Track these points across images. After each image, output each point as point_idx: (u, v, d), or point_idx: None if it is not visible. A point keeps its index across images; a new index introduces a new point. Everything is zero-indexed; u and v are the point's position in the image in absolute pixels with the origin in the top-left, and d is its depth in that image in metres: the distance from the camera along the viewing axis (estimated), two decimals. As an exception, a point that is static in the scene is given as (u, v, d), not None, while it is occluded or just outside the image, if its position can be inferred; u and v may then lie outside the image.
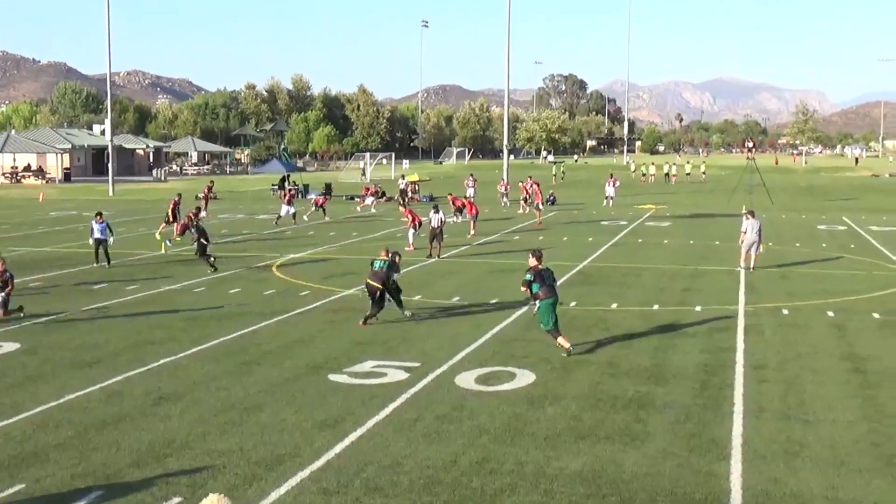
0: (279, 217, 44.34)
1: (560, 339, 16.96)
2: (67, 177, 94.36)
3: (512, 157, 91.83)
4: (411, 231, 34.17)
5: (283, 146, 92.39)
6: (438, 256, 30.88)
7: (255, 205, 57.92)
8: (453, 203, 44.80)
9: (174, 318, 20.69)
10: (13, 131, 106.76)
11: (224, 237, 38.68)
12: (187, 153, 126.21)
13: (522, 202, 50.83)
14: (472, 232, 38.46)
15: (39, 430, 12.61)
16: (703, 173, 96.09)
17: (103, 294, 24.06)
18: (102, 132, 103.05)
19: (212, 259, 28.46)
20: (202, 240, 28.62)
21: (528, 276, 17.22)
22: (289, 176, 71.32)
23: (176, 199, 38.39)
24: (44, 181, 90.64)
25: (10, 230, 42.55)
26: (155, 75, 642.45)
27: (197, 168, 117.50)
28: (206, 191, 51.39)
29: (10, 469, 11.16)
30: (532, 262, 17.45)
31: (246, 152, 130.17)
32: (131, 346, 17.81)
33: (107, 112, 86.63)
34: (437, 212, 32.49)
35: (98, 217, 29.05)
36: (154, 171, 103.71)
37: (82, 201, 63.57)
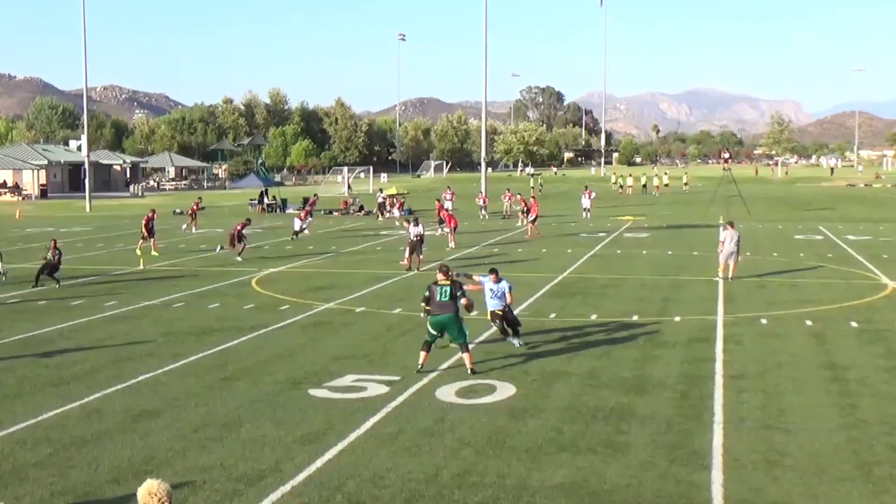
0: (296, 233, 43.90)
1: (422, 354, 16.77)
2: (44, 193, 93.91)
3: (490, 169, 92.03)
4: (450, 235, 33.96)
5: (260, 161, 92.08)
6: (418, 269, 30.87)
7: (233, 219, 57.54)
8: (438, 212, 44.80)
9: (153, 334, 20.59)
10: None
11: (202, 251, 38.57)
12: (164, 168, 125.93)
13: (521, 214, 50.82)
14: (451, 244, 38.50)
15: (18, 449, 12.51)
16: (686, 184, 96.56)
17: (81, 310, 23.92)
18: (79, 148, 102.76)
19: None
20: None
21: (426, 292, 17.17)
22: (267, 190, 71.19)
23: (150, 214, 38.15)
24: (20, 198, 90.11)
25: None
26: (132, 90, 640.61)
27: (174, 183, 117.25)
28: (194, 206, 51.19)
29: (-12, 488, 11.07)
30: (439, 276, 17.29)
31: (223, 167, 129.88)
32: (110, 363, 17.70)
33: (83, 128, 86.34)
34: (416, 224, 32.52)
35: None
36: (131, 187, 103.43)
37: (59, 218, 63.25)
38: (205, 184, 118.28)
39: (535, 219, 44.55)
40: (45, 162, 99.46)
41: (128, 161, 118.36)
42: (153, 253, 35.40)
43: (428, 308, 16.97)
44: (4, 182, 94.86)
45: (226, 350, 18.84)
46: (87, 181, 77.65)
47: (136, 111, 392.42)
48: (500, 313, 18.56)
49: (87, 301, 25.42)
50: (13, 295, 26.67)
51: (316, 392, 15.37)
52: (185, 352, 18.57)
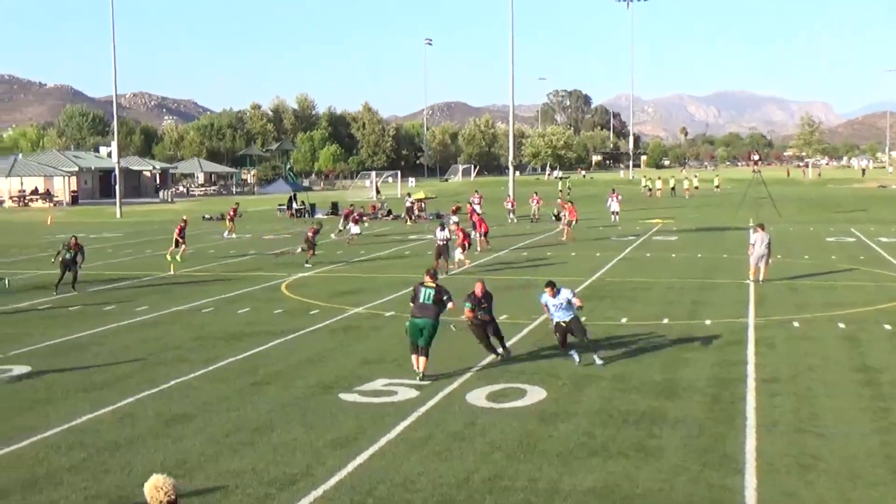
0: (353, 236, 43.89)
1: (413, 358, 16.73)
2: (75, 199, 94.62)
3: (517, 173, 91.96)
4: (458, 250, 33.81)
5: (289, 166, 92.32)
6: (446, 273, 30.89)
7: (261, 225, 58.02)
8: (470, 216, 44.74)
9: (184, 339, 20.72)
10: (20, 155, 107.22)
11: (232, 256, 38.77)
12: (193, 174, 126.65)
13: (562, 218, 50.62)
14: (479, 248, 38.46)
15: (52, 453, 12.62)
16: (717, 186, 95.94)
17: (112, 316, 24.11)
18: (109, 154, 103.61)
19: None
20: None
21: (412, 292, 17.19)
22: (295, 195, 71.46)
23: (182, 223, 38.32)
24: (51, 204, 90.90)
25: (17, 253, 42.68)
26: (160, 97, 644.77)
27: (203, 189, 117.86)
28: (231, 212, 51.38)
29: (24, 492, 11.17)
30: (426, 278, 17.20)
31: (252, 172, 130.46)
32: (142, 368, 17.83)
33: (113, 134, 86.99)
34: (442, 229, 32.60)
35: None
36: (161, 193, 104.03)
37: (90, 224, 63.76)
38: (233, 189, 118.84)
39: (570, 222, 44.31)
40: (76, 168, 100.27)
41: (157, 167, 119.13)
42: (178, 258, 35.61)
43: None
44: (36, 189, 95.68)
45: (256, 354, 18.92)
46: (117, 187, 78.26)
47: (165, 117, 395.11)
48: (565, 325, 17.38)
49: (118, 306, 25.61)
50: (44, 300, 26.92)
51: (346, 396, 15.41)
52: (215, 356, 18.67)
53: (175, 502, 6.62)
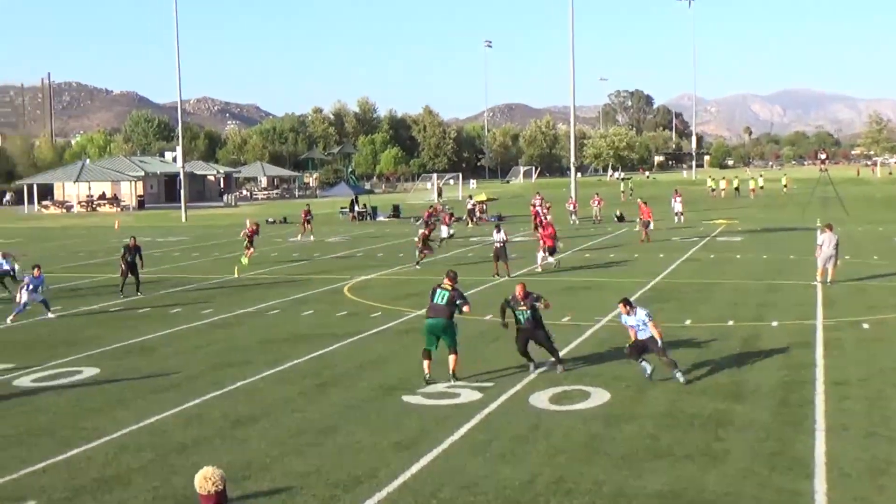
0: (442, 239, 44.03)
1: (425, 363, 16.59)
2: (141, 204, 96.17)
3: (579, 174, 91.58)
4: (540, 254, 33.82)
5: (350, 169, 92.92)
6: (508, 275, 30.83)
7: (324, 227, 58.39)
8: (534, 219, 44.61)
9: (249, 341, 20.94)
10: (88, 160, 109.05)
11: (295, 260, 39.08)
12: (256, 178, 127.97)
13: (618, 218, 50.32)
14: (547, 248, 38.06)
15: (121, 454, 12.83)
16: (785, 186, 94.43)
17: (180, 318, 24.45)
18: (174, 159, 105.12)
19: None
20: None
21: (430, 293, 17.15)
22: (357, 198, 71.89)
23: (254, 226, 38.68)
24: (118, 209, 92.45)
25: (86, 258, 43.49)
26: (224, 102, 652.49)
27: (266, 192, 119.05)
28: (304, 214, 51.71)
29: (94, 492, 11.36)
30: (445, 281, 17.11)
31: (314, 176, 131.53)
32: (208, 370, 18.05)
33: (178, 139, 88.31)
34: (498, 231, 32.61)
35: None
36: (225, 197, 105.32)
37: (156, 228, 64.73)
38: (296, 192, 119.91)
39: (647, 223, 43.89)
40: (142, 173, 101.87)
41: (221, 171, 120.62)
42: (244, 262, 35.96)
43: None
44: (104, 193, 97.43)
45: (320, 357, 19.05)
46: (182, 192, 79.38)
47: (229, 122, 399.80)
48: (641, 342, 16.35)
49: (185, 309, 25.96)
50: (113, 303, 27.38)
51: (409, 398, 15.45)
52: (280, 358, 18.84)
53: (223, 492, 6.80)
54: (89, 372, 18.08)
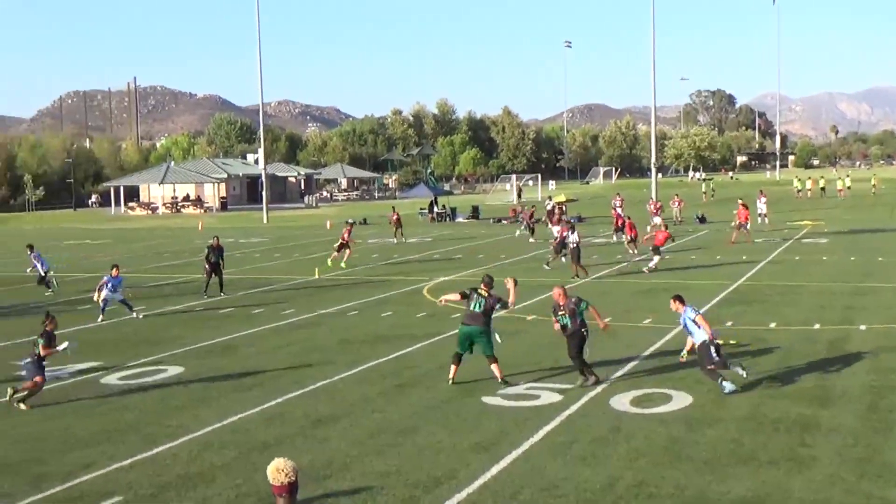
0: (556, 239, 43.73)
1: (452, 367, 16.60)
2: (224, 205, 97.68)
3: (660, 174, 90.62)
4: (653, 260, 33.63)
5: (429, 170, 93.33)
6: (576, 276, 30.68)
7: (404, 229, 58.54)
8: (616, 220, 44.23)
9: (329, 342, 21.13)
10: (172, 163, 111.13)
11: (374, 261, 39.32)
12: (337, 179, 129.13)
13: (700, 219, 49.63)
14: (630, 252, 37.62)
15: (205, 451, 13.03)
16: (874, 186, 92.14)
17: (261, 318, 24.77)
18: (256, 161, 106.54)
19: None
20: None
21: (468, 291, 16.98)
22: (437, 199, 72.12)
23: (349, 227, 38.78)
24: (202, 210, 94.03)
25: (171, 258, 44.33)
26: (304, 104, 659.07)
27: (346, 194, 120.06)
28: (394, 216, 51.60)
29: (178, 489, 11.56)
30: (481, 287, 16.96)
31: (394, 177, 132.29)
32: (289, 369, 18.25)
33: (260, 142, 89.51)
34: (572, 232, 32.45)
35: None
36: (305, 198, 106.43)
37: (238, 229, 65.68)
38: (375, 194, 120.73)
39: (741, 225, 43.19)
40: (225, 175, 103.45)
41: (302, 173, 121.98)
42: (329, 263, 36.32)
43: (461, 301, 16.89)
44: (188, 195, 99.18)
45: (400, 357, 19.14)
46: (264, 193, 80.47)
47: (309, 124, 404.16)
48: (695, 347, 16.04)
49: (267, 309, 26.29)
50: (196, 303, 27.85)
51: (489, 400, 15.44)
52: (360, 359, 18.97)
53: (295, 483, 6.94)
54: (174, 371, 18.42)
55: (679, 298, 16.41)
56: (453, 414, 14.65)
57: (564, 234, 34.18)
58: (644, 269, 32.26)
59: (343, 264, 36.41)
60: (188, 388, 17.00)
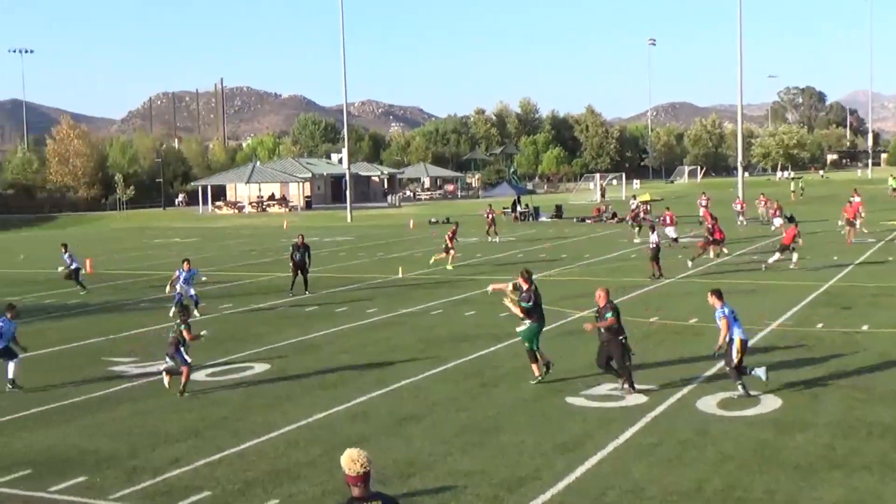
0: (674, 240, 43.11)
1: (533, 366, 16.63)
2: (308, 204, 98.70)
3: (746, 173, 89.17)
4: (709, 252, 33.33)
5: (512, 169, 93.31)
6: (660, 276, 30.34)
7: (487, 228, 58.53)
8: (707, 220, 43.45)
9: (412, 341, 21.23)
10: (258, 162, 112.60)
11: (457, 260, 39.35)
12: (420, 179, 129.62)
13: (787, 219, 48.56)
14: (711, 254, 37.01)
15: (291, 448, 13.19)
16: None
17: (345, 317, 24.98)
18: (340, 161, 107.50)
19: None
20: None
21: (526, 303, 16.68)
22: (520, 198, 71.99)
23: (454, 227, 38.50)
24: (287, 209, 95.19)
25: (258, 256, 44.97)
26: (387, 104, 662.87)
27: (429, 193, 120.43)
28: (490, 214, 51.57)
29: (265, 484, 11.72)
30: (520, 280, 16.84)
31: (476, 176, 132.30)
32: (373, 368, 18.37)
33: (344, 141, 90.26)
34: (653, 232, 32.12)
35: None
36: (389, 197, 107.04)
37: (323, 228, 66.35)
38: (458, 193, 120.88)
39: (849, 221, 42.29)
40: (310, 175, 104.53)
41: (385, 172, 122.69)
42: (448, 266, 35.65)
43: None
44: (273, 195, 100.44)
45: (483, 357, 19.14)
46: (347, 192, 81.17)
47: (392, 124, 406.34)
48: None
49: (350, 308, 26.51)
50: (282, 302, 28.20)
51: (573, 400, 15.35)
52: (443, 358, 19.01)
53: (369, 473, 7.04)
54: (260, 368, 18.68)
55: (717, 294, 16.05)
56: (537, 414, 14.60)
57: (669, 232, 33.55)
58: (763, 266, 32.09)
59: (450, 266, 35.79)
60: (274, 385, 17.23)
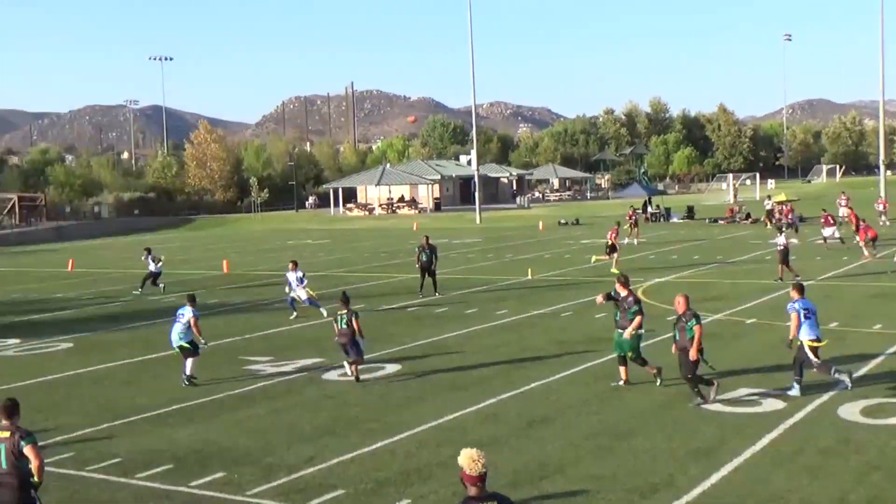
0: (840, 240, 41.74)
1: (620, 368, 16.57)
2: (438, 206, 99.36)
3: (888, 172, 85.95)
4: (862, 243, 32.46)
5: (643, 169, 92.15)
6: (781, 279, 29.40)
7: (629, 229, 57.80)
8: (853, 220, 42.01)
9: (543, 342, 21.13)
10: (388, 165, 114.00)
11: (587, 261, 39.04)
12: (548, 180, 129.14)
13: None
14: (866, 254, 35.59)
15: (422, 449, 13.28)
16: None
17: (475, 318, 25.05)
18: (469, 162, 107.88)
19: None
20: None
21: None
22: (650, 199, 71.03)
23: (616, 227, 37.87)
24: (416, 211, 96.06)
25: (387, 258, 45.46)
26: (516, 105, 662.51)
27: (558, 194, 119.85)
28: (631, 216, 51.01)
29: (397, 485, 11.82)
30: (617, 286, 16.69)
31: (606, 177, 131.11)
32: (503, 370, 18.36)
33: (472, 143, 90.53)
34: (780, 233, 31.26)
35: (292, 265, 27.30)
36: (517, 199, 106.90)
37: (451, 229, 66.70)
38: (588, 194, 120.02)
39: None
40: (439, 177, 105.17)
41: (513, 173, 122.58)
42: (613, 270, 33.39)
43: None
44: (402, 196, 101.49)
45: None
46: (476, 194, 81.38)
47: (521, 125, 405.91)
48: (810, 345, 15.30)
49: (480, 309, 26.56)
50: (411, 303, 28.43)
51: (707, 405, 15.02)
52: (574, 360, 18.87)
53: (486, 474, 7.18)
54: (391, 368, 18.86)
55: (798, 288, 15.90)
56: (670, 419, 14.35)
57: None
58: None
59: (615, 269, 33.31)
60: (406, 385, 17.38)
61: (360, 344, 17.88)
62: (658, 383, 16.33)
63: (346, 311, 18.01)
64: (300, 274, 26.68)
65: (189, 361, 18.20)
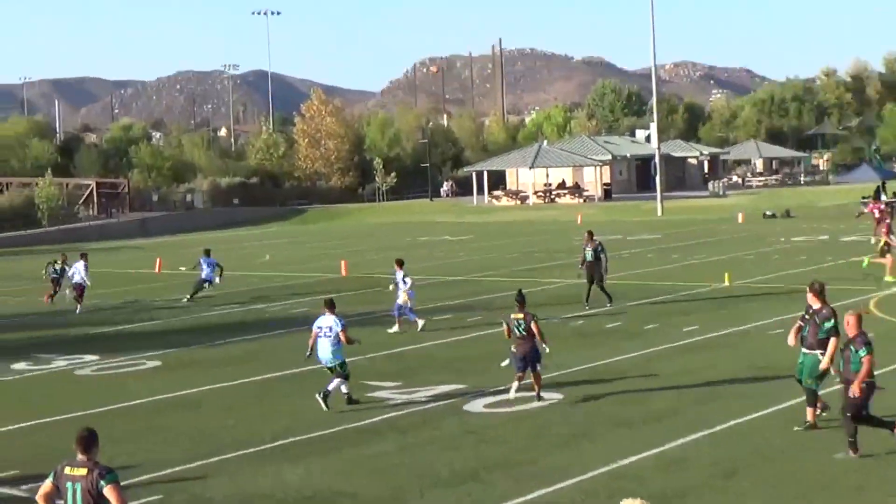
0: None
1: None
2: (608, 193, 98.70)
3: None
4: None
5: (874, 147, 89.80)
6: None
7: (838, 224, 56.65)
8: None
9: (742, 367, 20.86)
10: (545, 142, 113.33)
11: (800, 264, 38.23)
12: (750, 160, 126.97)
13: None
14: None
15: (589, 501, 13.23)
16: None
17: (654, 336, 24.86)
18: (647, 139, 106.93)
19: None
20: None
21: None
22: (884, 184, 69.21)
23: (889, 219, 36.86)
24: (581, 199, 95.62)
25: (544, 258, 45.38)
26: (707, 66, 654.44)
27: (763, 179, 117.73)
28: (876, 205, 49.88)
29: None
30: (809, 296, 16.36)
31: (825, 157, 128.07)
32: (692, 402, 18.17)
33: (652, 114, 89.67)
34: None
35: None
36: (710, 184, 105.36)
37: (625, 223, 66.25)
38: (801, 178, 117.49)
39: None
40: (609, 156, 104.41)
41: (705, 153, 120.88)
42: (888, 278, 32.82)
43: None
44: (563, 182, 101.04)
45: (831, 394, 18.40)
46: (657, 178, 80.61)
47: (713, 91, 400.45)
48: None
49: (662, 324, 26.35)
50: (574, 315, 28.35)
51: (855, 456, 14.48)
52: (783, 392, 18.37)
53: None
54: (549, 396, 18.77)
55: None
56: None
57: None
58: None
59: (889, 277, 32.86)
60: (567, 419, 17.36)
61: (541, 354, 18.05)
62: (802, 427, 15.99)
63: (522, 314, 18.13)
64: (402, 274, 27.15)
65: (337, 381, 18.64)
